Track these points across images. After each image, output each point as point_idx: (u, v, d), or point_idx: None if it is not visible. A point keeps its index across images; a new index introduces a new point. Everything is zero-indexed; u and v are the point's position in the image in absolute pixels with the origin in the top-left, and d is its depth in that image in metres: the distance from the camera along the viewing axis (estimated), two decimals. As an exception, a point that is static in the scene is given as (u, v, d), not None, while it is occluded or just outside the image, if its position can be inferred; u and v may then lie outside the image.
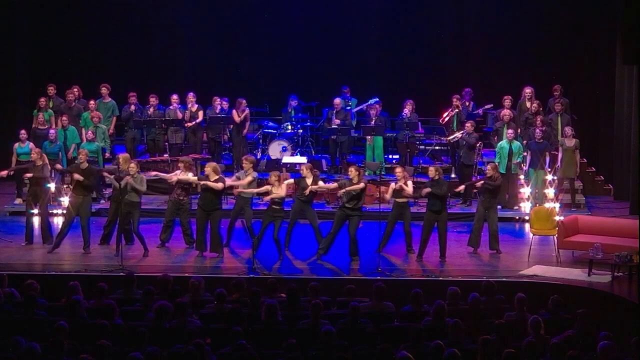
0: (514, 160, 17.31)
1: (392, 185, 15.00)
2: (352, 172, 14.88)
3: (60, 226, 15.55)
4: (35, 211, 15.70)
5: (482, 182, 15.27)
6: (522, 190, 17.43)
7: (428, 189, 14.77)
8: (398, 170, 15.13)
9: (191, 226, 15.40)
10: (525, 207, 17.17)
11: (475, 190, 16.53)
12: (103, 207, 17.24)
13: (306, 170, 15.21)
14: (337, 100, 19.18)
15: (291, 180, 15.36)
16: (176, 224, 15.57)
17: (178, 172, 15.37)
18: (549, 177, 17.26)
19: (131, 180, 14.90)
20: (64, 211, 16.09)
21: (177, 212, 15.35)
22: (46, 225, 15.69)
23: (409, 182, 15.04)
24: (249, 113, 19.13)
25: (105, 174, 16.18)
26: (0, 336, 10.01)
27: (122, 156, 15.60)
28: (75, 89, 19.00)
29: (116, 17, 20.90)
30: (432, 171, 14.91)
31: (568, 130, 17.68)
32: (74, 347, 9.62)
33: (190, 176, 15.18)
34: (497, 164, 16.10)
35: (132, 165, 15.14)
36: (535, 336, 9.98)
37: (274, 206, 14.89)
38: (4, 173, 15.87)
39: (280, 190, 14.84)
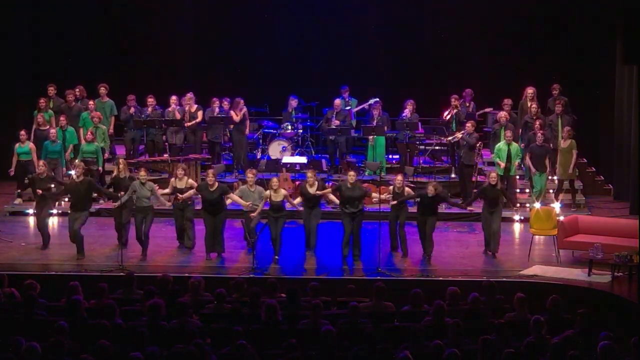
0: (513, 161, 17.28)
1: (390, 189, 15.09)
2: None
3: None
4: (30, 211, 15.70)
5: (475, 192, 15.72)
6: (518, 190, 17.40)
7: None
8: (399, 178, 15.17)
9: (194, 227, 15.46)
10: (531, 205, 17.11)
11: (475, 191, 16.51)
12: (103, 207, 17.23)
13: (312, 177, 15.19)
14: (338, 102, 19.11)
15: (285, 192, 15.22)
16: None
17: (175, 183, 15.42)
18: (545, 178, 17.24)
19: (158, 192, 15.09)
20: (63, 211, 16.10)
21: (184, 213, 15.38)
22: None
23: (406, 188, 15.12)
24: (247, 112, 19.10)
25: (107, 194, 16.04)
26: (0, 336, 10.01)
27: (122, 161, 15.64)
28: (78, 89, 18.99)
29: (116, 17, 20.89)
30: (431, 190, 14.86)
31: (566, 131, 17.66)
32: (74, 347, 9.62)
33: (191, 191, 15.18)
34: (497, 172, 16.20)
35: (142, 173, 15.14)
36: (536, 336, 9.98)
37: (274, 207, 14.91)
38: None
39: (277, 195, 14.85)
